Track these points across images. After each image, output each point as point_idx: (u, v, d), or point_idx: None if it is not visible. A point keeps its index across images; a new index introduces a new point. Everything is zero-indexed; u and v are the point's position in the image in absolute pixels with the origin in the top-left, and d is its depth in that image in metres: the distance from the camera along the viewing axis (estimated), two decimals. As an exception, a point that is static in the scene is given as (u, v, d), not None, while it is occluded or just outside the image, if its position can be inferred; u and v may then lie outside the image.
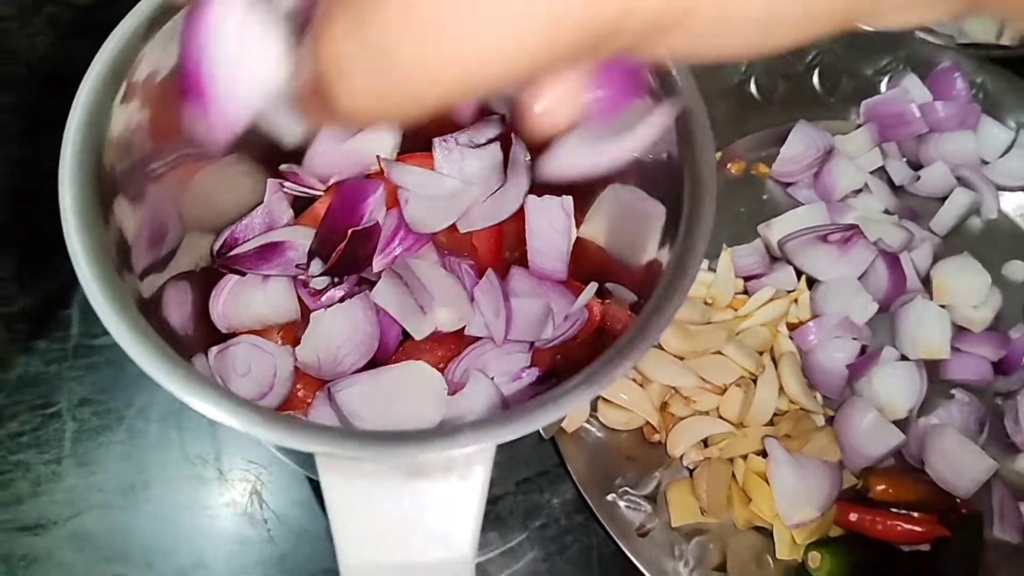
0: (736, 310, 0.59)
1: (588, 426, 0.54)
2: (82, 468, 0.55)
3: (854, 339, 0.58)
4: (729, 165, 0.65)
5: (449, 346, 0.45)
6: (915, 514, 0.54)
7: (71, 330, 0.58)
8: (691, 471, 0.55)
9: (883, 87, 0.68)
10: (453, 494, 0.32)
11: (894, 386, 0.57)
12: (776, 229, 0.62)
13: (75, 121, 0.35)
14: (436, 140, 0.47)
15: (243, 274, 0.45)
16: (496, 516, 0.55)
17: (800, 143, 0.64)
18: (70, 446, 0.55)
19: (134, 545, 0.53)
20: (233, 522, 0.54)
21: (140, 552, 0.53)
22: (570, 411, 0.32)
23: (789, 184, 0.65)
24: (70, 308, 0.59)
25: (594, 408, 0.55)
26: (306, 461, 0.53)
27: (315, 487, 0.55)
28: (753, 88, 0.67)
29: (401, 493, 0.31)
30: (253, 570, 0.53)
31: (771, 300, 0.59)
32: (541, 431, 0.49)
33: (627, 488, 0.53)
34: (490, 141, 0.47)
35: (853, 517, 0.53)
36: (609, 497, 0.53)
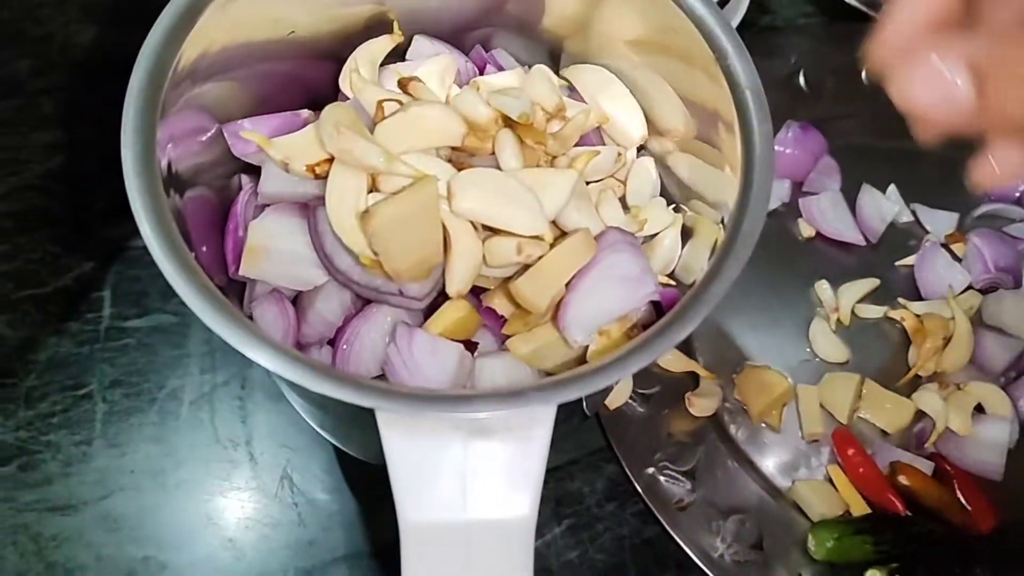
0: None
1: (631, 402, 0.55)
2: (113, 449, 0.54)
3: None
4: None
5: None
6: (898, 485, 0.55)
7: (103, 312, 0.58)
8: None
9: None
10: (514, 454, 0.32)
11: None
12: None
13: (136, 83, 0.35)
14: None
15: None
16: (527, 504, 0.55)
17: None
18: (101, 427, 0.55)
19: (164, 527, 0.53)
20: (263, 505, 0.54)
21: (169, 534, 0.53)
22: (632, 373, 0.32)
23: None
24: (102, 290, 0.58)
25: (636, 384, 0.56)
26: (340, 429, 0.52)
27: (346, 471, 0.55)
28: (802, 81, 0.67)
29: (462, 452, 0.31)
30: (282, 553, 0.53)
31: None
32: (585, 409, 0.48)
33: (667, 463, 0.54)
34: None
35: (850, 452, 0.55)
36: (649, 470, 0.53)
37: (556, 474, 0.56)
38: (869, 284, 0.63)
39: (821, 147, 0.66)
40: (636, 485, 0.53)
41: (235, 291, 0.43)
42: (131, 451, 0.55)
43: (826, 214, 0.64)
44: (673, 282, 0.42)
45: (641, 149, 0.47)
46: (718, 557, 0.51)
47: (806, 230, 0.65)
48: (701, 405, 0.56)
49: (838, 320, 0.62)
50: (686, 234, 0.44)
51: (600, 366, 0.32)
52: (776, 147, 0.63)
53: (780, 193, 0.66)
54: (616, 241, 0.39)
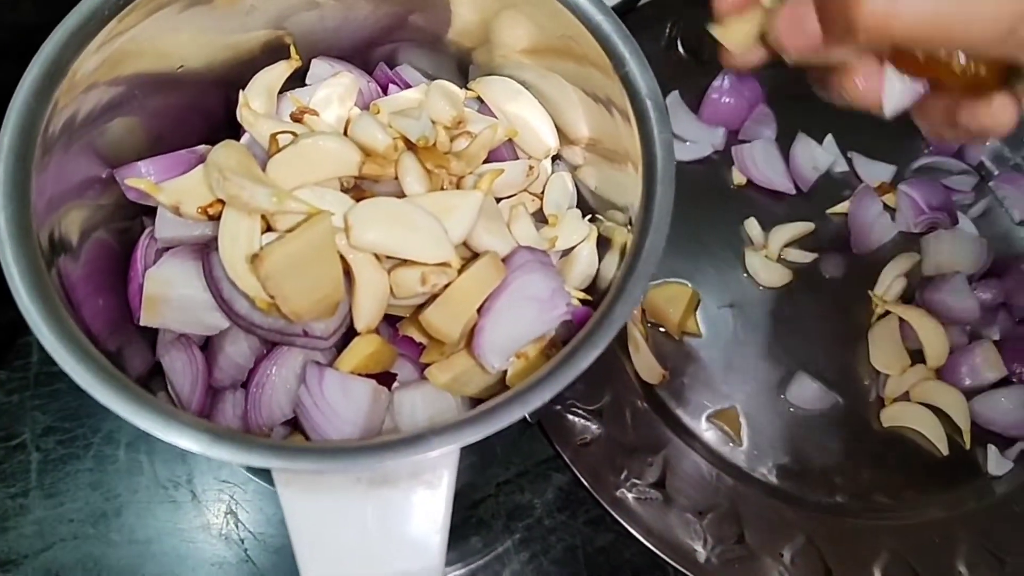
0: None
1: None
2: (50, 499, 0.53)
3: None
4: None
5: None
6: None
7: (31, 358, 0.56)
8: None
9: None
10: (419, 501, 0.31)
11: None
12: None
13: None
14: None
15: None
16: (479, 519, 0.54)
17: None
18: (36, 477, 0.54)
19: (109, 574, 0.52)
20: (209, 544, 0.53)
21: (115, 581, 0.52)
22: (534, 408, 0.31)
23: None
24: (29, 335, 0.57)
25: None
26: (260, 472, 0.51)
27: (291, 503, 0.54)
28: (681, 49, 0.66)
29: (365, 504, 0.30)
30: (232, 592, 0.52)
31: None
32: (528, 417, 0.48)
33: (575, 401, 0.54)
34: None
35: None
36: (556, 407, 0.53)
37: (506, 487, 0.55)
38: (803, 228, 0.63)
39: (757, 95, 0.65)
40: (541, 421, 0.53)
41: (148, 336, 0.42)
42: (69, 500, 0.53)
43: (757, 162, 0.64)
44: (590, 297, 0.41)
45: (555, 160, 0.46)
46: (619, 494, 0.52)
47: (737, 178, 0.65)
48: None
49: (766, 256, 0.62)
50: (604, 243, 0.43)
51: (502, 402, 0.31)
52: (712, 95, 0.64)
53: (714, 140, 0.65)
54: (526, 261, 0.38)
